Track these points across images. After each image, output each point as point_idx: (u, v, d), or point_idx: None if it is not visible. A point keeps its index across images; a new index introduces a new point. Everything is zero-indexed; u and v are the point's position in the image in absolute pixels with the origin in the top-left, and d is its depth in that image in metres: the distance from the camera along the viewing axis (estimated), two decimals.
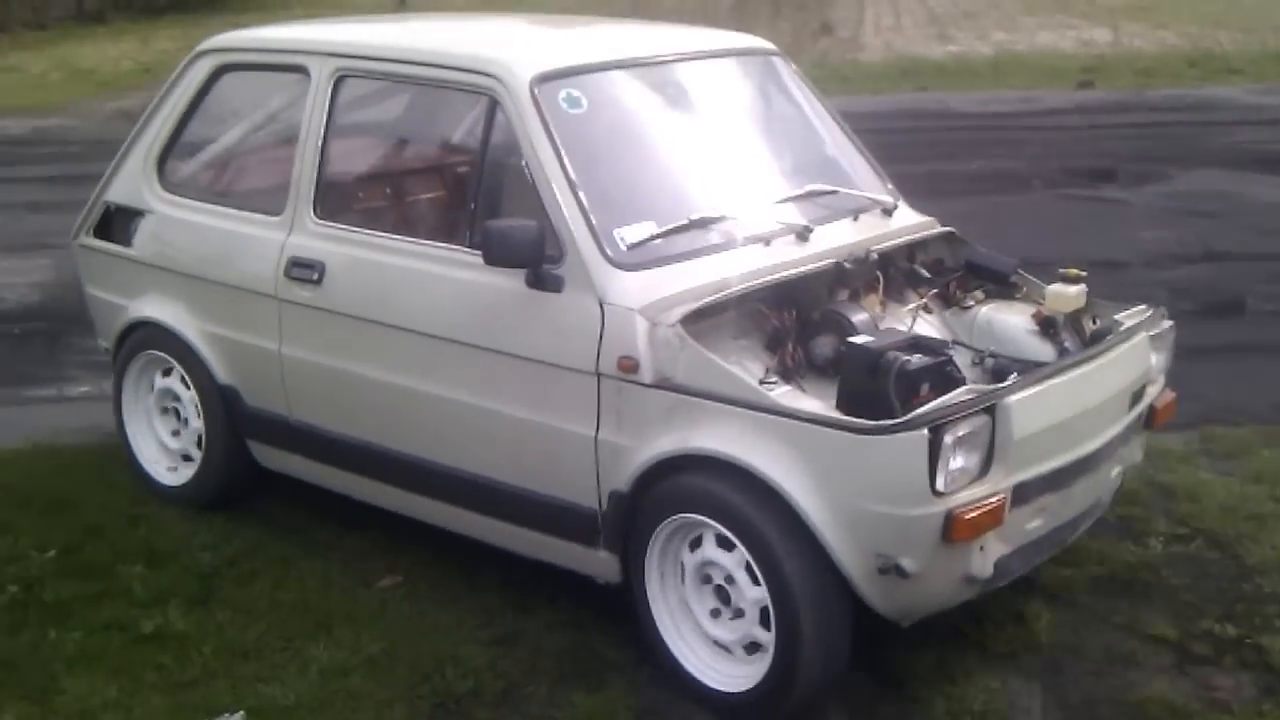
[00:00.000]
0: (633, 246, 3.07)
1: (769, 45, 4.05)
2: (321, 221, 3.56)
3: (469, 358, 3.23)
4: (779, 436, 2.75)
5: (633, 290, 2.98)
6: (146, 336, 4.03)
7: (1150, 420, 3.39)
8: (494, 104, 3.25)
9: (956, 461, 2.69)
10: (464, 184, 3.71)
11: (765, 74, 3.97)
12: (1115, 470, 3.29)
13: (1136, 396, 3.27)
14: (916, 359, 2.87)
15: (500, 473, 3.26)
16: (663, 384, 2.92)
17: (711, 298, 2.99)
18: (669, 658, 3.04)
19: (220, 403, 3.85)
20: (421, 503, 3.51)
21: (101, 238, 4.17)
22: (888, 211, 3.66)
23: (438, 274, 3.28)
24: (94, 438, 4.53)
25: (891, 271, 3.48)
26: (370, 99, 3.87)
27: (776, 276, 3.14)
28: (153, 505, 4.00)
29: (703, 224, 3.21)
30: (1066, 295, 3.32)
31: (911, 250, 3.59)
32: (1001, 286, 3.58)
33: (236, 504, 3.98)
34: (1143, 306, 3.42)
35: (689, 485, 2.91)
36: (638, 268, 3.03)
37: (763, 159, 3.74)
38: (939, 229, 3.70)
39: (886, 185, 3.79)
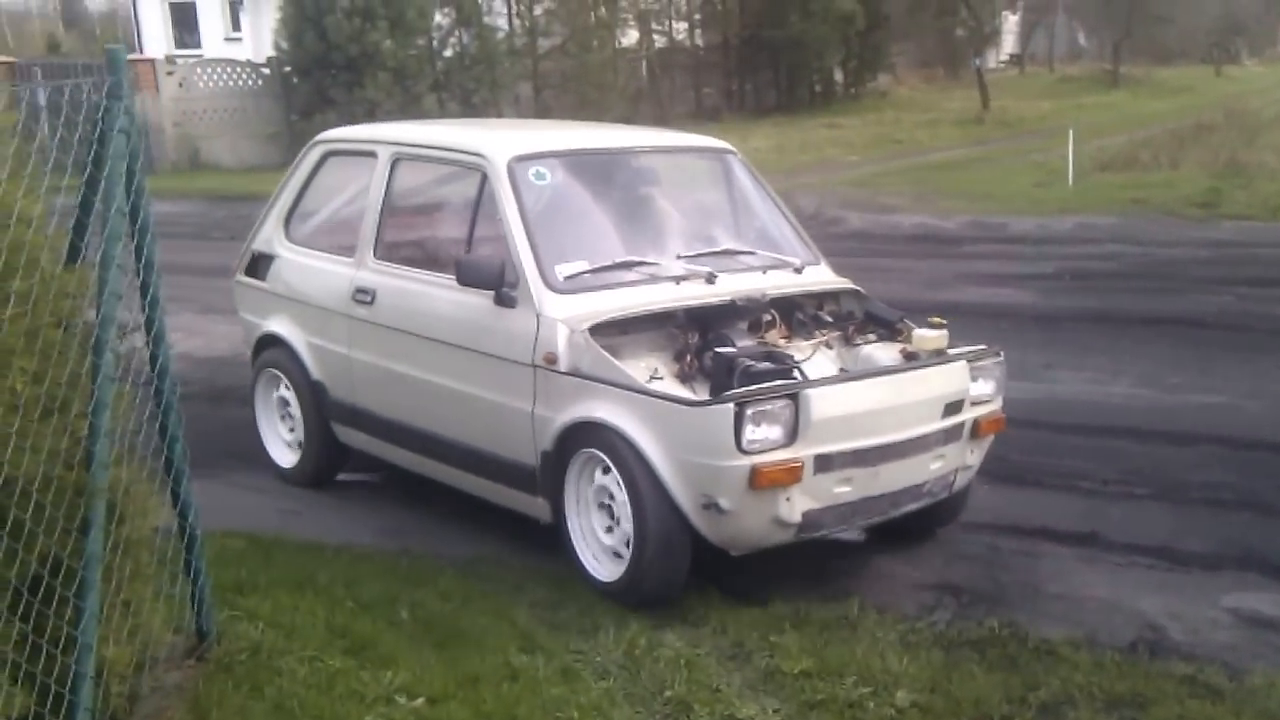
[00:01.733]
0: (567, 278, 4.40)
1: (725, 145, 5.46)
2: (377, 261, 5.08)
3: (456, 355, 4.64)
4: (639, 409, 4.02)
5: (561, 307, 4.30)
6: (271, 349, 5.58)
7: (975, 431, 4.42)
8: (484, 177, 4.69)
9: (760, 430, 3.84)
10: (463, 232, 4.87)
11: (716, 166, 5.35)
12: (937, 465, 4.34)
13: (952, 408, 4.30)
14: (761, 365, 4.13)
15: (478, 440, 4.64)
16: (573, 372, 4.20)
17: (615, 314, 4.27)
18: (579, 561, 4.34)
19: (311, 395, 5.37)
20: (430, 464, 4.96)
21: (249, 276, 5.74)
22: (798, 270, 4.86)
23: (440, 296, 4.71)
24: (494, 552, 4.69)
25: (800, 316, 4.69)
26: (412, 174, 5.29)
27: (675, 304, 4.40)
28: (536, 655, 3.85)
29: (625, 265, 4.56)
30: (928, 337, 4.48)
31: (820, 301, 4.81)
32: (889, 331, 4.69)
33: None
34: (980, 346, 4.52)
35: (590, 441, 4.17)
36: (568, 293, 4.35)
37: (691, 225, 5.09)
38: (846, 286, 4.88)
39: (812, 252, 5.06)
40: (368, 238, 5.11)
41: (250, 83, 18.33)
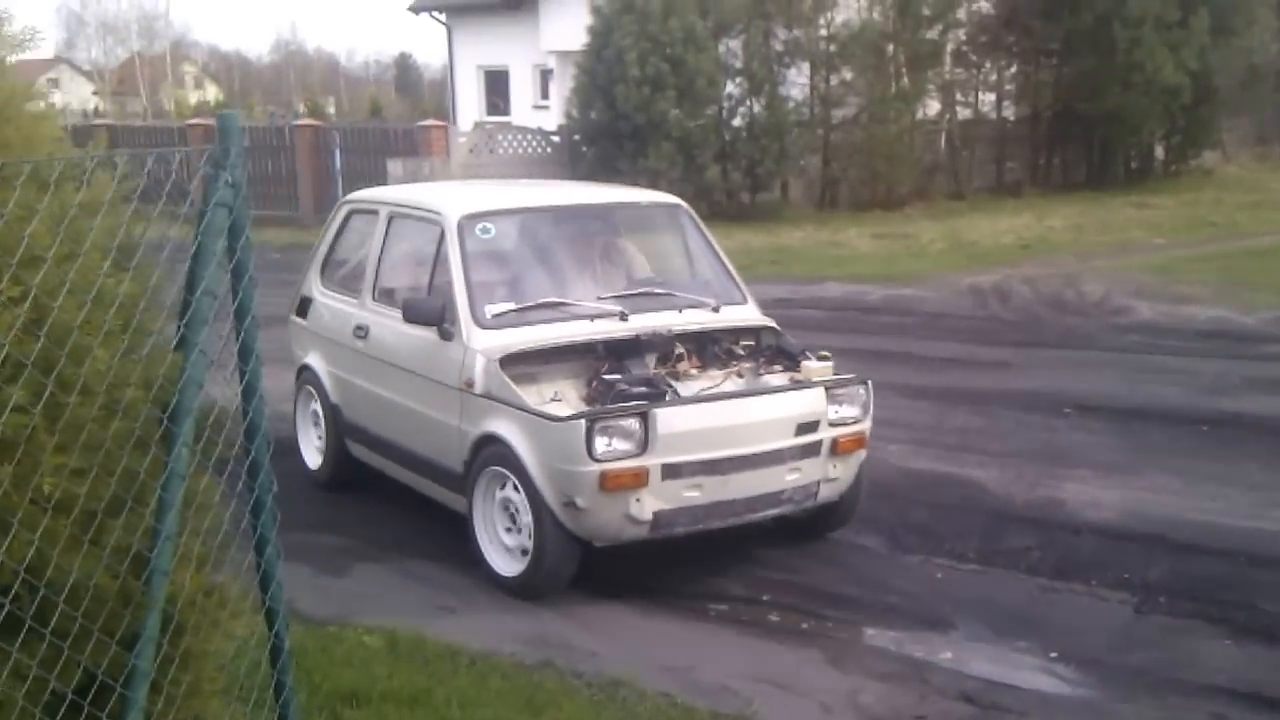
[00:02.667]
0: (495, 316, 5.30)
1: (674, 200, 6.34)
2: (374, 302, 6.02)
3: (414, 380, 5.56)
4: (522, 423, 4.90)
5: (484, 340, 5.18)
6: (306, 376, 6.61)
7: (834, 449, 5.13)
8: (442, 231, 5.57)
9: (607, 442, 4.69)
10: (426, 277, 5.73)
11: (662, 218, 6.27)
12: (793, 476, 5.06)
13: (806, 428, 5.02)
14: (636, 389, 5.01)
15: (429, 450, 5.52)
16: (485, 395, 5.08)
17: (524, 345, 5.13)
18: (485, 558, 5.20)
19: (332, 415, 6.34)
20: (401, 472, 5.88)
21: (298, 316, 6.76)
22: (715, 309, 5.64)
23: (407, 331, 5.57)
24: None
25: (716, 349, 5.48)
26: (401, 229, 6.15)
27: (581, 338, 5.26)
28: None
29: (547, 305, 5.44)
30: (814, 368, 5.35)
31: (736, 336, 5.60)
32: (792, 363, 5.46)
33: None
34: (847, 376, 5.34)
35: (492, 453, 5.07)
36: (492, 328, 5.24)
37: (621, 271, 5.96)
38: (763, 324, 5.70)
39: (741, 294, 5.87)
40: (368, 282, 6.11)
41: (540, 150, 18.85)
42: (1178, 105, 22.80)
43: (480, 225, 5.57)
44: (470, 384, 5.12)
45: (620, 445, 4.68)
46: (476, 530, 5.18)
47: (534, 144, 18.99)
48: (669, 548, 5.60)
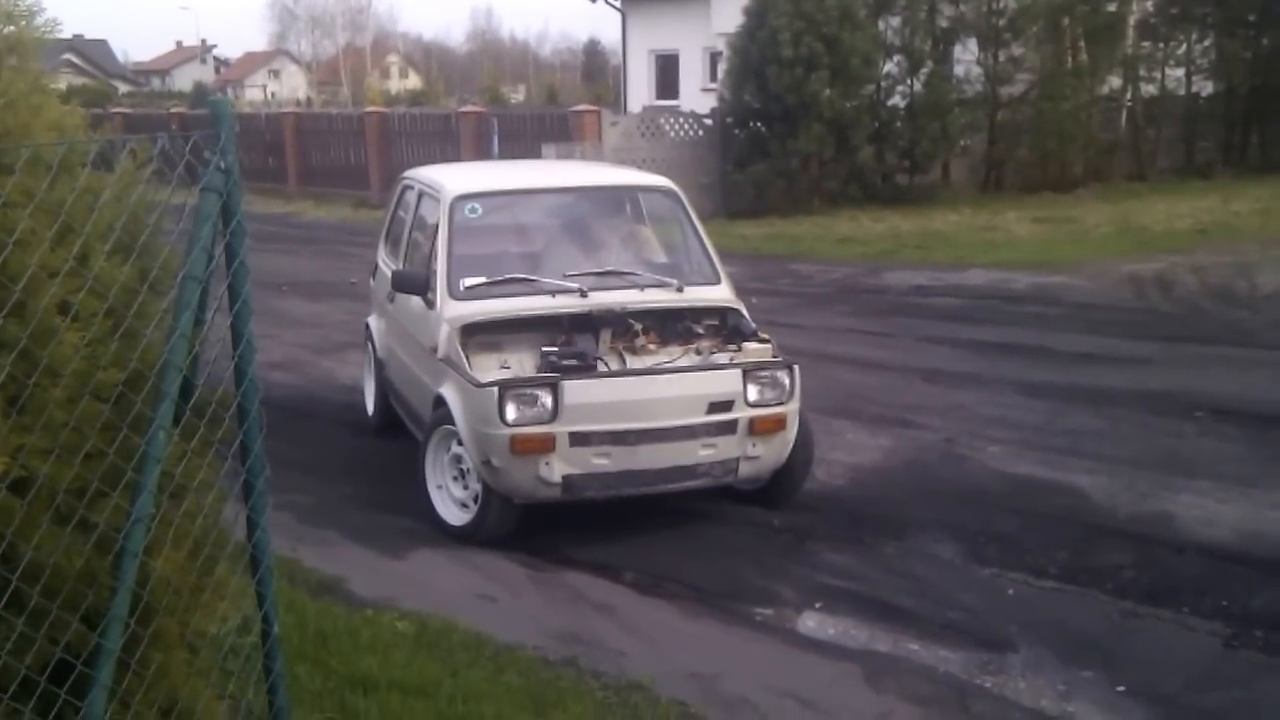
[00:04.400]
0: (467, 288, 5.70)
1: (665, 183, 6.58)
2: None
3: (411, 343, 6.18)
4: (456, 387, 5.35)
5: (453, 310, 5.58)
6: (367, 333, 7.46)
7: (752, 428, 5.31)
8: (439, 208, 6.06)
9: (515, 409, 5.08)
10: (429, 250, 6.13)
11: (647, 201, 6.62)
12: (708, 452, 5.29)
13: (719, 406, 5.26)
14: (567, 361, 5.31)
15: (419, 408, 6.06)
16: (444, 360, 5.50)
17: (482, 316, 5.50)
18: (432, 508, 5.64)
19: (377, 368, 7.15)
20: (412, 428, 6.32)
21: (372, 279, 7.47)
22: (679, 289, 5.84)
23: (410, 298, 6.04)
24: None
25: (679, 327, 5.71)
26: (424, 205, 6.57)
27: (539, 312, 5.57)
28: None
29: (514, 280, 5.80)
30: (751, 348, 5.59)
31: (699, 315, 5.78)
32: (741, 341, 5.67)
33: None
34: (772, 359, 5.53)
35: (439, 413, 5.53)
36: (463, 299, 5.64)
37: (595, 251, 6.24)
38: (726, 304, 5.86)
39: (715, 276, 6.03)
40: (402, 251, 6.70)
41: (692, 133, 18.65)
42: None
43: (469, 205, 6.03)
44: (434, 348, 5.62)
45: (529, 412, 5.08)
46: (426, 479, 5.64)
47: (686, 128, 18.81)
48: (728, 546, 5.42)
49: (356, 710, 3.77)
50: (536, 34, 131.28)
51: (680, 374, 5.33)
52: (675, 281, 5.89)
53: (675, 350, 5.60)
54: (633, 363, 5.48)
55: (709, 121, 18.78)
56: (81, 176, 2.71)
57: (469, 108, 23.43)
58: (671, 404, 5.21)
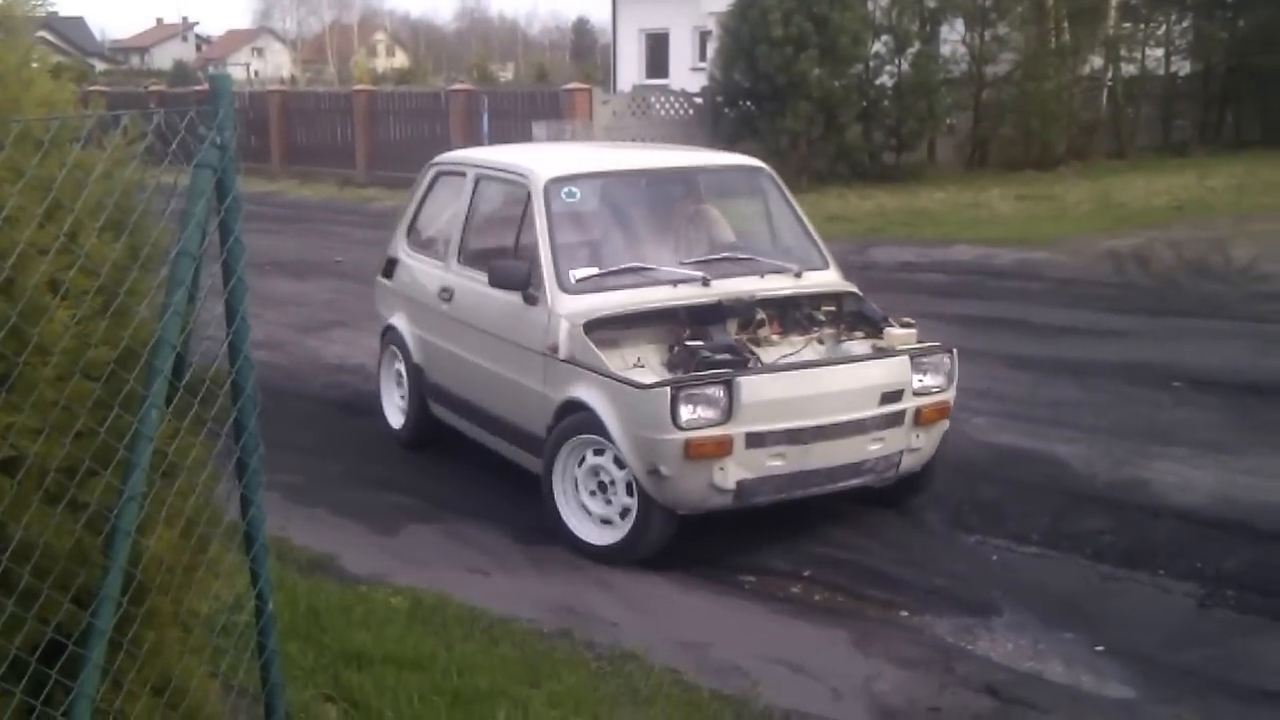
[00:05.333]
0: (579, 280, 5.23)
1: (755, 162, 6.23)
2: (459, 265, 5.99)
3: (499, 344, 5.53)
4: (607, 390, 4.82)
5: (568, 305, 5.11)
6: (390, 337, 6.63)
7: (918, 418, 4.99)
8: (529, 194, 5.52)
9: (691, 410, 4.59)
10: (511, 240, 5.71)
11: (743, 182, 6.17)
12: (876, 446, 4.93)
13: (890, 397, 4.89)
14: (719, 356, 4.89)
15: (510, 414, 5.52)
16: (569, 360, 5.01)
17: (608, 311, 5.05)
18: (562, 524, 5.10)
19: (414, 375, 6.36)
20: (481, 434, 5.89)
21: (384, 277, 6.75)
22: (797, 274, 5.51)
23: (493, 295, 5.49)
24: None
25: (797, 315, 5.38)
26: (488, 191, 6.12)
27: (664, 303, 5.14)
28: None
29: (631, 271, 5.36)
30: (897, 334, 5.22)
31: (817, 301, 5.44)
32: (874, 330, 5.33)
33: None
34: (931, 344, 5.19)
35: (578, 420, 4.99)
36: (576, 293, 5.17)
37: (705, 235, 5.84)
38: (844, 289, 5.54)
39: (823, 259, 5.71)
40: (454, 245, 6.08)
41: (682, 112, 18.68)
42: None
43: (565, 189, 5.51)
44: (554, 349, 5.07)
45: (704, 413, 4.62)
46: (556, 495, 5.10)
47: (677, 106, 18.84)
48: (717, 518, 5.49)
49: (350, 685, 3.79)
50: (525, 12, 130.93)
51: (855, 364, 4.99)
52: (794, 266, 5.58)
53: (797, 340, 5.30)
54: (764, 355, 5.14)
55: (699, 100, 18.82)
56: (72, 153, 2.70)
57: (458, 85, 23.40)
58: (847, 397, 4.84)
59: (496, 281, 5.33)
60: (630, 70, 29.66)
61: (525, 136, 17.86)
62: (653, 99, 18.94)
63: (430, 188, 6.57)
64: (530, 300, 5.24)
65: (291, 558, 4.96)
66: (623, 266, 5.36)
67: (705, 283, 5.25)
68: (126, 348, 2.70)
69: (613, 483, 4.95)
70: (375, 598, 4.59)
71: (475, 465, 6.06)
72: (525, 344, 5.28)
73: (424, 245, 6.52)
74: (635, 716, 3.75)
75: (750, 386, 4.66)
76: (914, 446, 5.07)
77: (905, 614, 4.55)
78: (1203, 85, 21.96)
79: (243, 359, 3.23)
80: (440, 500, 5.80)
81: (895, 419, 4.94)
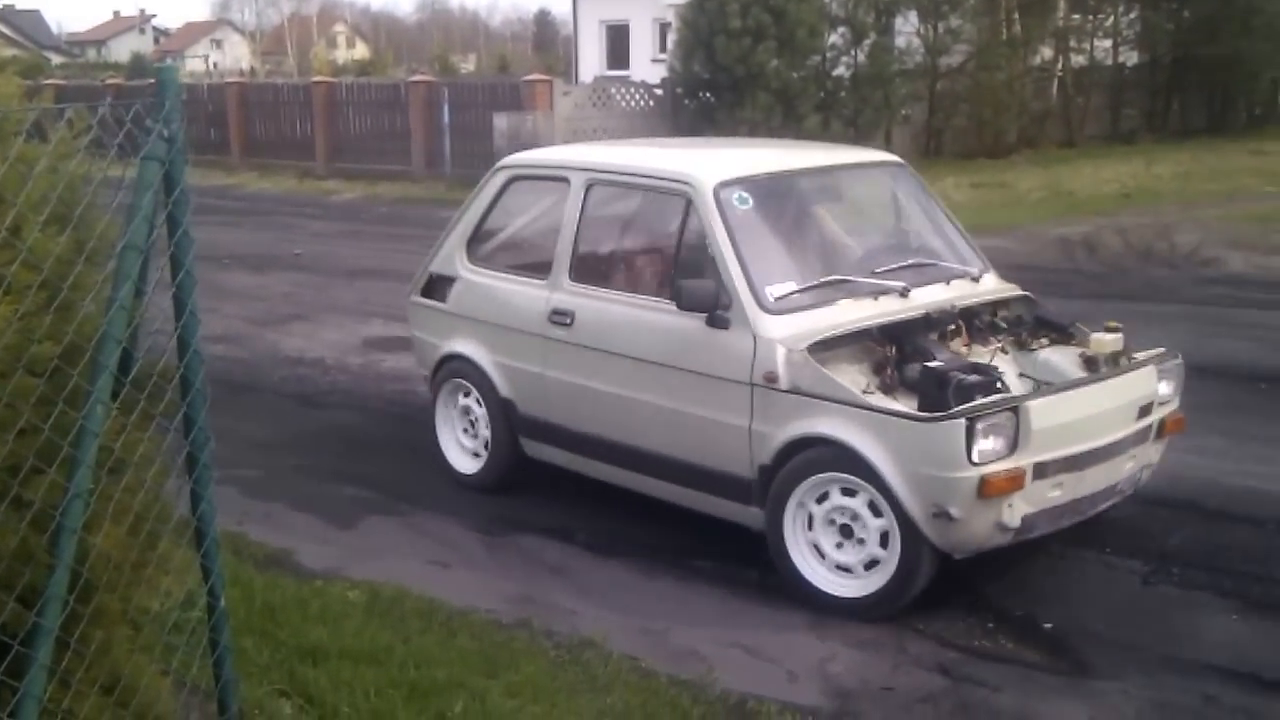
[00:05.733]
0: (778, 299, 4.59)
1: (895, 158, 5.67)
2: (574, 283, 5.20)
3: (665, 374, 4.79)
4: (867, 424, 4.21)
5: (776, 328, 4.49)
6: (455, 367, 5.75)
7: (1160, 431, 4.65)
8: (688, 202, 4.84)
9: (987, 443, 4.05)
10: (666, 256, 5.17)
11: (890, 179, 5.53)
12: (1130, 465, 4.55)
13: (1144, 411, 4.52)
14: (971, 378, 4.29)
15: (684, 453, 4.79)
16: (793, 390, 4.40)
17: (827, 334, 4.45)
18: (801, 578, 4.49)
19: (501, 411, 5.53)
20: (630, 476, 5.10)
21: (425, 297, 5.91)
22: (975, 279, 5.07)
23: (646, 318, 4.89)
24: None
25: (977, 323, 4.85)
26: (608, 199, 5.38)
27: (877, 321, 4.57)
28: None
29: (828, 285, 4.75)
30: (1106, 340, 4.71)
31: (995, 308, 4.99)
32: (1062, 335, 4.90)
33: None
34: (1161, 349, 4.74)
35: (818, 457, 4.36)
36: (780, 313, 4.55)
37: (878, 239, 5.46)
38: (1017, 293, 5.10)
39: (981, 260, 5.23)
40: (563, 261, 5.25)
41: (643, 103, 18.71)
42: None
43: (737, 194, 4.82)
44: (772, 378, 4.43)
45: (995, 445, 4.10)
46: (788, 544, 4.49)
47: (637, 98, 18.86)
48: (675, 505, 5.50)
49: (306, 680, 3.78)
50: (486, 4, 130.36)
51: (1120, 379, 4.53)
52: (973, 269, 5.14)
53: (982, 350, 4.75)
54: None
55: (659, 91, 18.85)
56: (15, 146, 2.67)
57: (419, 77, 23.30)
58: (1115, 415, 4.45)
59: (690, 304, 4.58)
60: (591, 62, 29.62)
61: (486, 128, 17.85)
62: (614, 90, 18.94)
63: (501, 194, 5.68)
64: (718, 323, 4.58)
65: (248, 553, 4.94)
66: (822, 280, 4.76)
67: (904, 293, 4.74)
68: (71, 343, 2.68)
69: (856, 519, 4.37)
70: (332, 592, 4.58)
71: (432, 458, 6.03)
72: (716, 373, 4.60)
73: (503, 261, 5.71)
74: (593, 704, 3.78)
75: (1039, 412, 4.16)
76: (1153, 461, 4.74)
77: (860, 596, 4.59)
78: (1150, 75, 22.39)
79: (192, 353, 3.18)
80: (399, 493, 5.79)
81: (1145, 434, 4.59)
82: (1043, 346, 4.83)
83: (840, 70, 18.72)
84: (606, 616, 4.46)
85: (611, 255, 5.48)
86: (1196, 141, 19.56)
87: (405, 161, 20.01)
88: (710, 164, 5.07)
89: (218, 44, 75.74)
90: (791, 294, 4.64)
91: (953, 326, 4.72)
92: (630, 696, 3.83)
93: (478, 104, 19.19)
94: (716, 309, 4.57)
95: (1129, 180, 15.54)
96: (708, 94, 17.83)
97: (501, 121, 17.49)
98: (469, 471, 5.80)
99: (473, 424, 5.76)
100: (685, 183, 4.86)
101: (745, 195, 4.85)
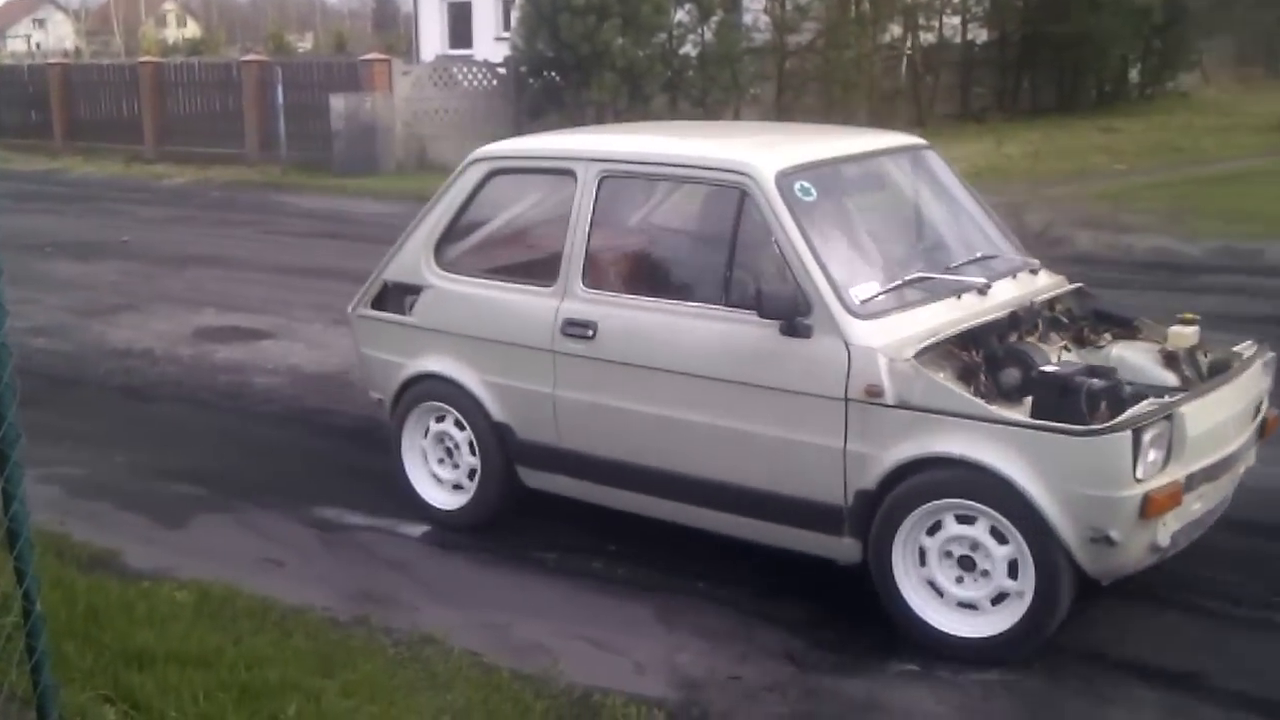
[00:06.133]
0: (863, 301, 4.06)
1: (922, 140, 5.13)
2: (590, 290, 4.53)
3: (723, 391, 4.19)
4: (1008, 441, 3.70)
5: (871, 335, 3.95)
6: (427, 388, 4.98)
7: (1263, 431, 4.29)
8: (743, 194, 4.23)
9: (1150, 456, 3.62)
10: (718, 257, 4.37)
11: (926, 164, 5.00)
12: (1241, 469, 4.19)
13: (1257, 411, 4.23)
14: (1098, 382, 3.82)
15: (752, 479, 4.19)
16: (902, 405, 3.86)
17: (934, 339, 3.98)
18: (916, 619, 3.95)
19: (494, 437, 4.81)
20: (674, 507, 4.47)
21: (379, 309, 5.16)
22: (1034, 271, 4.70)
23: (698, 327, 4.26)
24: None
25: (1039, 319, 4.42)
26: (628, 193, 4.86)
27: (973, 322, 4.14)
28: None
29: (911, 284, 4.25)
30: (1184, 334, 4.35)
31: (1051, 302, 4.55)
32: (1126, 330, 4.55)
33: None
34: (1249, 342, 4.37)
35: (936, 480, 3.84)
36: (871, 317, 4.01)
37: (938, 232, 4.89)
38: (1070, 285, 4.73)
39: (1022, 249, 4.85)
40: (573, 264, 4.55)
41: (486, 83, 18.42)
42: (1149, 26, 22.34)
43: (799, 184, 4.25)
44: (875, 392, 3.88)
45: (1154, 457, 3.68)
46: (899, 582, 3.96)
47: (480, 77, 18.57)
48: (518, 497, 5.36)
49: (131, 685, 3.59)
50: None
51: (1244, 378, 4.17)
52: (1033, 262, 4.78)
53: (1048, 349, 4.37)
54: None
55: (502, 71, 18.59)
56: None
57: (252, 56, 22.56)
58: (1242, 417, 4.13)
59: (773, 311, 3.99)
60: (434, 40, 29.09)
61: (323, 109, 17.35)
62: (455, 70, 18.61)
63: (478, 190, 4.93)
64: (798, 331, 4.00)
65: (71, 554, 4.69)
66: (905, 280, 4.27)
67: (984, 290, 4.31)
68: None
69: (976, 549, 3.86)
70: (160, 593, 4.36)
71: (266, 452, 5.83)
72: (797, 388, 4.03)
73: (485, 266, 5.00)
74: (433, 701, 3.65)
75: (1192, 418, 3.77)
76: (1250, 464, 4.33)
77: (704, 585, 4.53)
78: (999, 53, 22.86)
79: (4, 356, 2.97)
80: (231, 489, 5.55)
81: (1254, 436, 4.26)
82: (1109, 343, 4.49)
83: (687, 49, 18.73)
84: (448, 612, 4.34)
85: (639, 257, 4.82)
86: (1047, 119, 20.09)
87: (238, 144, 19.36)
88: (761, 151, 4.45)
89: (40, 23, 72.26)
90: (876, 296, 4.10)
91: (1034, 326, 4.34)
92: (471, 693, 3.71)
93: (314, 84, 18.65)
94: (797, 315, 4.00)
95: (979, 159, 15.83)
96: (553, 73, 17.66)
97: (339, 102, 17.05)
98: (448, 506, 5.03)
99: (450, 452, 5.00)
100: (740, 172, 4.23)
101: (808, 185, 4.29)
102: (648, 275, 4.70)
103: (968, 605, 3.89)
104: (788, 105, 19.86)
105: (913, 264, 4.48)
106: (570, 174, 4.65)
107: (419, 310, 4.99)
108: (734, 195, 4.25)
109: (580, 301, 4.51)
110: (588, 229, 4.54)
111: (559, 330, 4.53)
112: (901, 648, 4.02)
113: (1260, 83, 26.69)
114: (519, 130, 17.99)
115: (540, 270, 4.73)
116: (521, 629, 4.19)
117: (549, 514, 5.10)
